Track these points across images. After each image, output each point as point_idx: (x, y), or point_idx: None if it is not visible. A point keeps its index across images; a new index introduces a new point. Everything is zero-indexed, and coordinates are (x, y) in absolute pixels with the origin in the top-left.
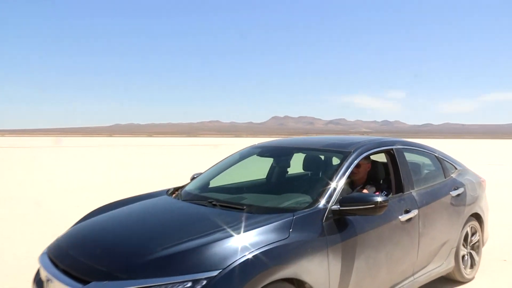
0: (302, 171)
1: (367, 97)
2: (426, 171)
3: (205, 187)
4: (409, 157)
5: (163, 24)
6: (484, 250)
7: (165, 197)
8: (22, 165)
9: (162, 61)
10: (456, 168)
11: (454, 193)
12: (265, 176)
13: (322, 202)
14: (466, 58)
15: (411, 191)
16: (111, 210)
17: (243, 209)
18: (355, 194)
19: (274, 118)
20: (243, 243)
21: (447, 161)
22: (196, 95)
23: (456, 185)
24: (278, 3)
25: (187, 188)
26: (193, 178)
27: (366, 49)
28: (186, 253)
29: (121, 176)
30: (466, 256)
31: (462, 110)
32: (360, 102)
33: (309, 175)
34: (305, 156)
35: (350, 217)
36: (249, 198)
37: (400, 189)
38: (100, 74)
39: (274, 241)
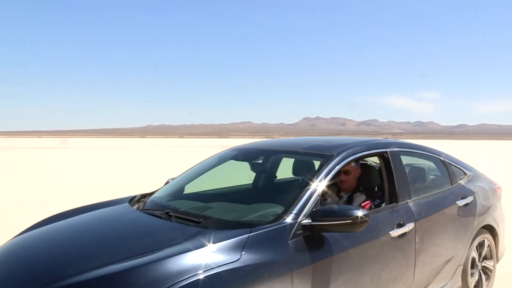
0: (292, 176)
1: (401, 97)
2: (431, 177)
3: (175, 193)
4: (413, 160)
5: (196, 26)
6: (499, 265)
7: (123, 206)
8: (54, 166)
9: (194, 63)
10: (465, 174)
11: (461, 202)
12: (251, 181)
13: (291, 215)
14: (503, 57)
15: (407, 201)
16: (58, 220)
17: (199, 222)
18: (329, 206)
19: (305, 119)
20: (181, 266)
21: (455, 166)
22: (228, 96)
23: (464, 193)
24: (308, 2)
25: (155, 194)
26: (167, 183)
27: (400, 50)
28: (107, 278)
29: (141, 177)
30: (476, 273)
31: (499, 110)
32: (393, 103)
33: (285, 182)
34: (283, 160)
35: (326, 234)
36: (215, 209)
37: (394, 198)
38: (133, 77)
39: (221, 264)
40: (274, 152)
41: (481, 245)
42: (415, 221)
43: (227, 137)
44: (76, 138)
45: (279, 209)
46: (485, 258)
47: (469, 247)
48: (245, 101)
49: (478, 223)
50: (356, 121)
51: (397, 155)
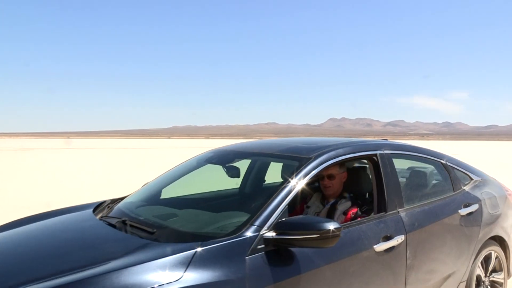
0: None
1: (428, 98)
2: (433, 182)
3: (150, 198)
4: (413, 164)
5: (219, 27)
6: (510, 281)
7: (84, 212)
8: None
9: (219, 64)
10: (471, 179)
11: (464, 211)
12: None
13: (252, 227)
14: None
15: (398, 210)
16: (17, 226)
17: (152, 233)
18: (297, 217)
19: (331, 119)
20: (107, 286)
21: (460, 170)
22: (253, 97)
23: (468, 200)
24: (331, 3)
25: (127, 199)
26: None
27: (427, 50)
28: None
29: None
30: None
31: None
32: (420, 103)
33: (263, 188)
34: (261, 164)
35: (295, 248)
36: (179, 217)
37: (382, 207)
38: (160, 78)
39: (159, 284)
40: (248, 155)
41: (488, 259)
42: (406, 233)
43: (252, 138)
44: (104, 140)
45: (243, 219)
46: (494, 271)
47: (474, 261)
48: (271, 102)
49: (485, 234)
50: (382, 122)
51: (387, 158)
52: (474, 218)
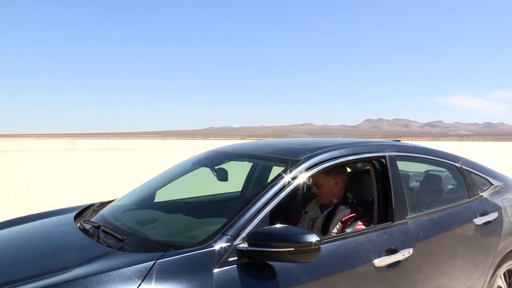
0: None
1: (468, 98)
2: (449, 187)
3: (142, 202)
4: (429, 167)
5: (256, 27)
6: None
7: (64, 217)
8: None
9: (255, 65)
10: (491, 184)
11: (480, 220)
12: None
13: (224, 237)
14: None
15: (407, 219)
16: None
17: (122, 240)
18: (273, 227)
19: (367, 120)
20: None
21: (478, 174)
22: (290, 98)
23: (486, 208)
24: (369, 3)
25: (116, 202)
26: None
27: (465, 48)
28: None
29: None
30: None
31: None
32: (460, 103)
33: (239, 193)
34: (263, 167)
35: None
36: (160, 223)
37: (384, 216)
38: (196, 79)
39: None
40: (238, 156)
41: (511, 274)
42: (414, 246)
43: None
44: (140, 140)
45: (216, 227)
46: None
47: (492, 276)
48: (306, 102)
49: (505, 246)
50: (420, 122)
51: (392, 160)
52: (492, 228)
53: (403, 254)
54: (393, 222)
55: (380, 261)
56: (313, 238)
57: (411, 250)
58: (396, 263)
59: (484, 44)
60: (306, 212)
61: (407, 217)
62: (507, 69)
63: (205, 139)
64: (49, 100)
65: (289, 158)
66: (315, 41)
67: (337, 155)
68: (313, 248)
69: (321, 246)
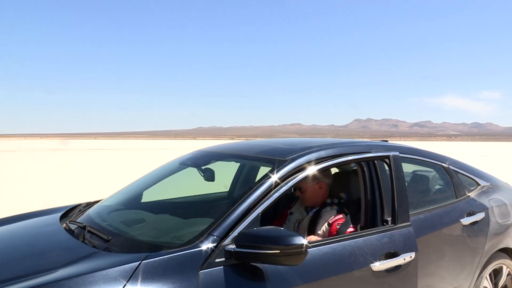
0: None
1: (457, 98)
2: (437, 187)
3: (129, 202)
4: (412, 168)
5: (245, 29)
6: None
7: (50, 217)
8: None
9: (244, 65)
10: (478, 184)
11: (466, 220)
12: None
13: (210, 238)
14: None
15: (407, 222)
16: None
17: (108, 241)
18: (261, 228)
19: (356, 120)
20: None
21: (464, 175)
22: (278, 98)
23: (473, 208)
24: (359, 4)
25: (102, 202)
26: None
27: (455, 49)
28: None
29: None
30: None
31: None
32: (448, 104)
33: (227, 194)
34: (250, 167)
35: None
36: (146, 223)
37: (372, 217)
38: (185, 79)
39: None
40: (224, 156)
41: (498, 273)
42: (417, 250)
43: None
44: (129, 140)
45: (203, 228)
46: (506, 287)
47: (479, 276)
48: (296, 102)
49: (492, 245)
50: (409, 122)
51: (375, 161)
52: (479, 228)
53: (404, 258)
54: (395, 225)
55: (379, 265)
56: (300, 240)
57: (413, 254)
58: (397, 268)
59: (472, 45)
60: (291, 213)
61: (407, 220)
62: (495, 69)
63: (194, 139)
64: (36, 101)
65: (276, 158)
66: (304, 42)
67: (324, 155)
68: (300, 251)
69: (314, 248)
